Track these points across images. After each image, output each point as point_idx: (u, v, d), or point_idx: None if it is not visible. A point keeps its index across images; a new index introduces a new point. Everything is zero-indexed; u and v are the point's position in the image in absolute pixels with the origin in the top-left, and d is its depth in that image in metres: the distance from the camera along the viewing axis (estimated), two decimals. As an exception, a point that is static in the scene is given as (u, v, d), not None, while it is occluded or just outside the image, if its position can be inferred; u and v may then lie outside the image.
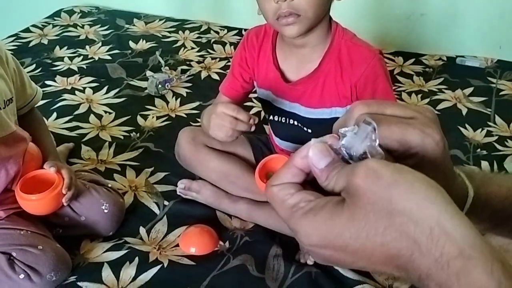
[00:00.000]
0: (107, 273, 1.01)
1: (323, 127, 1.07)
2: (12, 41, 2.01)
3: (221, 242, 1.10)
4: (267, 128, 1.47)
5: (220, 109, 0.98)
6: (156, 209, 1.20)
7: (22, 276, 0.92)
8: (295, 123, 1.11)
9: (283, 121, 1.13)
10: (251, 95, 1.35)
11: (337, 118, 1.16)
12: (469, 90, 1.75)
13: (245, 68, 1.14)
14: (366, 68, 0.99)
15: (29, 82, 1.12)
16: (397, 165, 0.31)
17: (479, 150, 1.44)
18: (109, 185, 1.17)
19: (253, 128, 0.99)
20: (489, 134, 1.52)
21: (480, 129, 1.53)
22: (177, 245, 1.09)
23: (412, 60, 1.97)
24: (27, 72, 1.44)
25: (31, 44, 2.02)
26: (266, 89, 1.11)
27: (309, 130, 1.11)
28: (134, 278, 1.00)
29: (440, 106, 1.66)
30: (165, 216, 1.17)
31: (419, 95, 1.72)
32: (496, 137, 1.50)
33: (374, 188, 0.30)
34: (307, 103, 1.06)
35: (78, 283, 0.98)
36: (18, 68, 1.07)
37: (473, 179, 0.40)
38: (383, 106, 0.37)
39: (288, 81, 1.07)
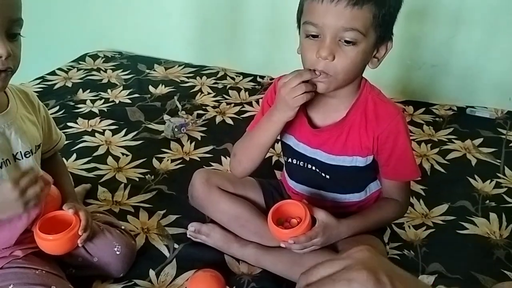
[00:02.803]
0: (116, 315, 1.03)
1: (341, 174, 1.14)
2: (39, 83, 2.13)
3: None
4: (278, 173, 1.51)
5: (285, 90, 0.99)
6: (166, 252, 1.22)
7: (35, 314, 0.94)
8: (314, 168, 1.15)
9: (302, 165, 1.17)
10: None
11: (357, 166, 1.20)
12: (478, 141, 1.77)
13: None
14: (390, 123, 1.05)
15: (55, 128, 1.19)
16: None
17: (488, 201, 1.45)
18: (122, 227, 1.21)
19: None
20: (498, 185, 1.52)
21: (489, 180, 1.54)
22: (185, 289, 1.11)
23: (422, 110, 2.02)
24: (51, 114, 1.52)
25: (56, 87, 2.12)
26: (290, 132, 1.16)
27: (327, 176, 1.14)
28: (142, 322, 1.02)
29: (450, 156, 1.68)
30: (174, 259, 1.20)
31: (429, 145, 1.75)
32: (506, 189, 1.51)
33: None
34: (330, 150, 1.10)
35: (88, 324, 1.00)
36: (47, 115, 1.15)
37: None
38: (317, 271, 0.43)
39: (313, 127, 1.12)
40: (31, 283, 0.98)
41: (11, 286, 0.97)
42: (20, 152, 1.02)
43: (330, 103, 1.09)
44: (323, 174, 1.15)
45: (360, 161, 1.10)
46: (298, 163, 1.18)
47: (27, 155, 1.03)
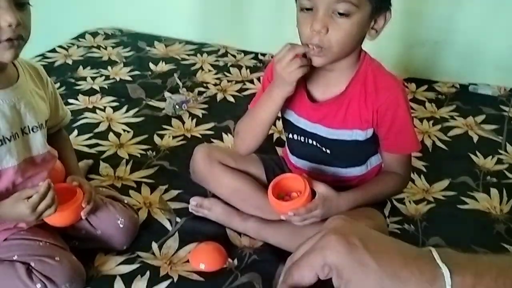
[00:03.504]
0: (119, 286, 1.04)
1: (342, 148, 1.13)
2: (39, 61, 2.11)
3: (230, 260, 1.12)
4: (280, 150, 1.51)
5: (280, 65, 0.98)
6: (168, 226, 1.23)
7: (39, 285, 0.96)
8: (314, 143, 1.15)
9: (303, 140, 1.17)
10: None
11: (357, 140, 1.19)
12: (481, 118, 1.77)
13: None
14: (389, 96, 1.05)
15: (62, 104, 1.19)
16: None
17: (489, 177, 1.45)
18: (125, 201, 1.22)
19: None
20: (499, 162, 1.53)
21: (490, 157, 1.54)
22: (187, 261, 1.12)
23: (425, 87, 2.01)
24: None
25: (56, 64, 2.11)
26: (290, 107, 1.15)
27: (328, 151, 1.15)
28: (145, 292, 1.03)
29: (451, 133, 1.68)
30: (176, 233, 1.21)
31: (431, 122, 1.75)
32: (507, 165, 1.51)
33: None
34: (330, 124, 1.10)
35: (91, 295, 1.02)
36: (54, 91, 1.15)
37: (452, 259, 0.39)
38: (300, 249, 0.44)
39: (313, 101, 1.11)
40: (35, 254, 0.99)
41: (15, 257, 0.99)
42: (28, 126, 1.02)
43: (330, 77, 1.08)
44: (323, 149, 1.15)
45: (360, 135, 1.10)
46: (299, 138, 1.18)
47: (35, 130, 1.03)
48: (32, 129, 1.03)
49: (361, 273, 0.37)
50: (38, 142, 1.03)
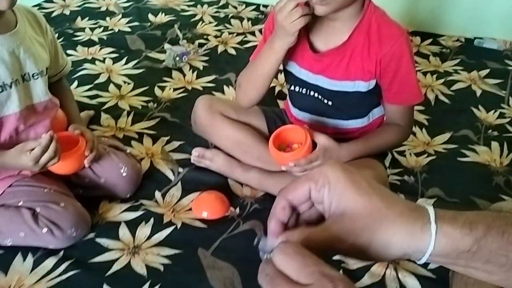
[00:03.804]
0: (123, 232, 1.07)
1: (344, 100, 1.12)
2: (35, 11, 2.06)
3: (232, 208, 1.14)
4: (281, 102, 1.50)
5: (281, 15, 0.96)
6: (171, 175, 1.25)
7: (45, 230, 0.98)
8: (316, 95, 1.14)
9: (305, 92, 1.16)
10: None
11: (359, 92, 1.18)
12: (485, 72, 1.75)
13: None
14: (393, 45, 1.02)
15: (62, 52, 1.18)
16: None
17: (490, 131, 1.45)
18: (128, 150, 1.22)
19: None
20: (502, 116, 1.52)
21: (493, 111, 1.54)
22: (190, 209, 1.14)
23: (429, 41, 1.97)
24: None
25: (53, 15, 2.07)
26: (291, 59, 1.14)
27: (329, 103, 1.14)
28: (149, 237, 1.06)
29: (455, 87, 1.67)
30: (179, 182, 1.22)
31: (435, 75, 1.73)
32: (509, 119, 1.51)
33: None
34: (332, 75, 1.09)
35: (97, 240, 1.04)
36: (54, 38, 1.13)
37: (441, 216, 0.39)
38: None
39: (315, 52, 1.09)
40: (40, 200, 1.00)
41: (21, 203, 1.00)
42: (29, 73, 1.01)
43: (332, 26, 1.06)
44: (325, 101, 1.14)
45: (362, 86, 1.09)
46: (300, 90, 1.17)
47: (36, 77, 1.02)
48: (33, 76, 1.02)
49: (353, 188, 0.39)
50: (40, 89, 1.03)
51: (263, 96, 1.16)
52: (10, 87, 0.97)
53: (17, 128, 1.01)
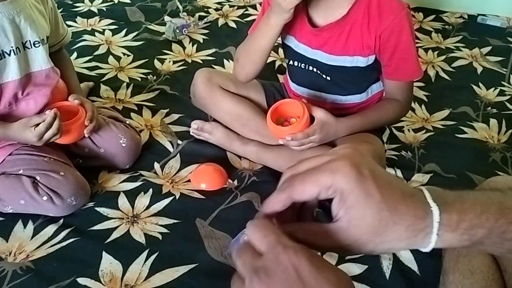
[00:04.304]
0: (123, 201, 1.08)
1: (342, 75, 1.12)
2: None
3: (230, 180, 1.15)
4: (281, 77, 1.50)
5: None
6: (170, 147, 1.25)
7: (45, 198, 0.99)
8: (315, 70, 1.14)
9: (303, 67, 1.15)
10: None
11: (358, 67, 1.17)
12: (486, 49, 1.74)
13: None
14: (393, 20, 1.01)
15: (62, 22, 1.17)
16: None
17: (489, 108, 1.45)
18: (127, 122, 1.23)
19: None
20: (502, 93, 1.52)
21: (493, 88, 1.54)
22: (189, 181, 1.15)
23: (432, 17, 1.95)
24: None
25: (52, -15, 2.03)
26: (290, 33, 1.13)
27: (328, 78, 1.13)
28: (148, 207, 1.07)
29: (456, 64, 1.66)
30: (178, 154, 1.23)
31: (436, 52, 1.72)
32: (509, 97, 1.51)
33: None
34: (330, 50, 1.08)
35: (96, 208, 1.06)
36: (54, 7, 1.13)
37: (440, 197, 0.40)
38: (303, 164, 0.42)
39: (314, 26, 1.08)
40: (40, 169, 1.01)
41: (21, 171, 1.01)
42: (30, 41, 1.01)
43: (332, 0, 1.04)
44: (323, 76, 1.14)
45: (361, 61, 1.08)
46: (299, 65, 1.16)
47: (37, 45, 1.02)
48: (34, 44, 1.01)
49: (364, 202, 0.38)
50: (40, 58, 1.02)
51: (261, 70, 1.16)
52: (9, 55, 0.97)
53: (16, 95, 1.01)
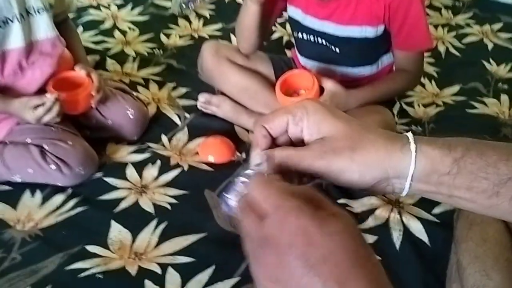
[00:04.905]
0: (131, 172, 1.08)
1: (351, 46, 1.10)
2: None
3: (238, 153, 1.15)
4: (289, 52, 1.48)
5: None
6: (177, 120, 1.25)
7: (53, 167, 0.99)
8: (323, 42, 1.12)
9: (311, 39, 1.13)
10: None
11: (367, 38, 1.14)
12: (498, 26, 1.71)
13: None
14: None
15: None
16: None
17: (500, 84, 1.43)
18: (134, 93, 1.21)
19: None
20: (513, 69, 1.50)
21: (504, 64, 1.51)
22: (197, 153, 1.15)
23: (442, -7, 1.92)
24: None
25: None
26: (296, 5, 1.11)
27: (337, 50, 1.12)
28: (156, 178, 1.07)
29: (466, 40, 1.63)
30: (186, 127, 1.22)
31: (446, 28, 1.69)
32: (520, 73, 1.48)
33: None
34: (338, 19, 1.06)
35: (104, 179, 1.05)
36: None
37: (420, 139, 0.39)
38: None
39: None
40: (47, 138, 1.01)
41: (28, 140, 1.01)
42: (33, 7, 0.99)
43: None
44: (332, 48, 1.12)
45: (370, 32, 1.06)
46: (307, 37, 1.14)
47: (41, 12, 1.01)
48: (38, 11, 1.00)
49: (332, 116, 0.38)
50: (45, 25, 1.01)
51: (269, 46, 1.16)
52: (12, 21, 0.96)
53: (21, 64, 1.00)
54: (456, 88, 1.41)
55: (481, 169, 0.37)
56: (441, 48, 1.58)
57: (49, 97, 0.96)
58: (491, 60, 1.53)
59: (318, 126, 0.38)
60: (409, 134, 0.38)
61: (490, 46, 1.61)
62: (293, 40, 1.27)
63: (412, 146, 0.37)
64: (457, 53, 1.57)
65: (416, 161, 0.37)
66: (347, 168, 0.38)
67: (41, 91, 1.04)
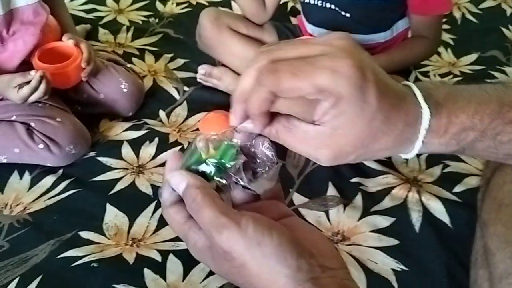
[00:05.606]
0: (126, 150, 1.00)
1: (363, 11, 1.01)
2: None
3: (241, 129, 1.06)
4: (294, 19, 1.38)
5: None
6: (176, 94, 1.16)
7: (41, 146, 0.91)
8: (332, 6, 1.04)
9: (319, 4, 1.06)
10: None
11: (380, 1, 1.04)
12: (517, -11, 1.60)
13: None
14: None
15: None
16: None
17: (520, 51, 1.34)
18: (128, 65, 1.13)
19: None
20: (533, 36, 1.41)
21: (524, 31, 1.42)
22: (197, 129, 1.07)
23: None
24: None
25: None
26: None
27: (347, 15, 1.04)
28: (154, 157, 0.99)
29: (483, 5, 1.54)
30: (185, 101, 1.14)
31: (461, -7, 1.59)
32: (541, 40, 1.39)
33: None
34: None
35: (98, 158, 0.98)
36: None
37: (432, 96, 0.35)
38: (285, 50, 0.33)
39: None
40: (34, 115, 0.93)
41: (13, 117, 0.93)
42: None
43: None
44: (342, 13, 1.04)
45: None
46: (315, 2, 1.07)
47: None
48: None
49: (360, 111, 0.33)
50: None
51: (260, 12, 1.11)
52: None
53: (1, 35, 0.91)
54: (473, 56, 1.32)
55: (491, 147, 0.36)
56: (457, 14, 1.48)
57: (35, 74, 0.87)
58: (510, 27, 1.43)
59: (337, 114, 0.33)
60: (424, 124, 0.35)
61: (508, 11, 1.51)
62: (298, 6, 1.17)
63: (418, 144, 0.35)
64: (474, 19, 1.47)
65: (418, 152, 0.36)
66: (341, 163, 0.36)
67: (26, 63, 0.95)
